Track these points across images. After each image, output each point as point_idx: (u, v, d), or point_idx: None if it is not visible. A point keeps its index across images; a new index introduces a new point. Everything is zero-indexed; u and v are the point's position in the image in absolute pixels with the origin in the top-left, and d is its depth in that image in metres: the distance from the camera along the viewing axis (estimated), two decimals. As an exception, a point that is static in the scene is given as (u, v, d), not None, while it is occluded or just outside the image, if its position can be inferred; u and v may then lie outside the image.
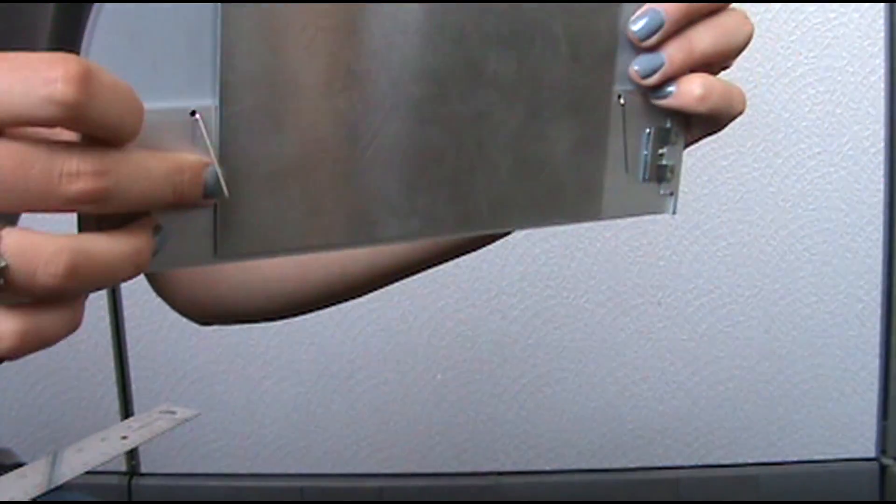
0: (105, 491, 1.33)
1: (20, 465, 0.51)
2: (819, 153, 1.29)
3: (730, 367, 1.34)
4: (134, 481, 1.35)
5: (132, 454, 1.35)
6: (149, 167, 0.29)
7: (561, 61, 0.37)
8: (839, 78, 1.27)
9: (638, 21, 0.38)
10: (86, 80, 0.27)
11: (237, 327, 1.33)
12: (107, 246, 0.29)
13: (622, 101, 0.39)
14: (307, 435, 1.36)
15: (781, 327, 1.33)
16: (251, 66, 0.32)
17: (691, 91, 0.39)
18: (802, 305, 1.33)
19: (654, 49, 0.38)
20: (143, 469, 1.37)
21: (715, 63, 0.41)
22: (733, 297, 1.32)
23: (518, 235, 1.31)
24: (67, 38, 0.51)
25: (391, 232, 0.36)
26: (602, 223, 1.30)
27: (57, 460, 0.50)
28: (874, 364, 1.34)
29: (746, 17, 0.40)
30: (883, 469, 1.35)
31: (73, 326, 0.30)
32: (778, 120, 1.28)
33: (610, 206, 0.42)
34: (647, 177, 0.42)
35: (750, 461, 1.37)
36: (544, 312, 1.32)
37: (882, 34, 1.25)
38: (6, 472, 0.48)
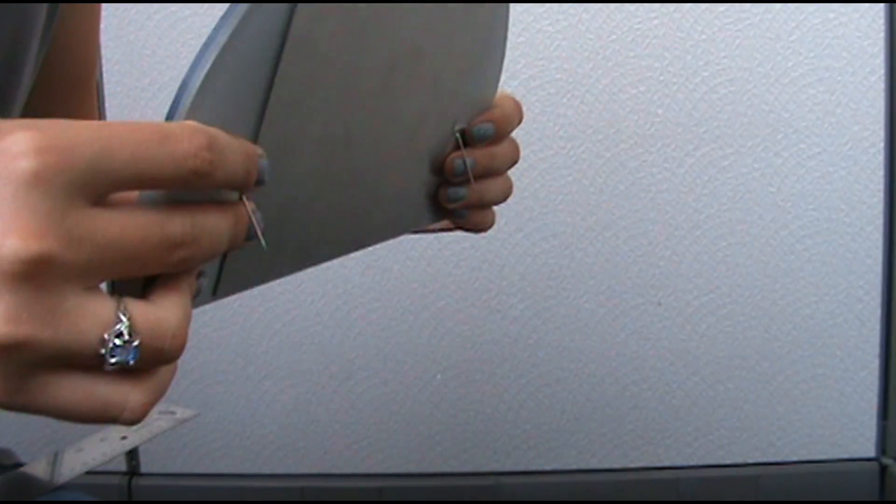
0: (105, 491, 1.33)
1: (20, 465, 0.51)
2: (819, 153, 1.29)
3: (730, 367, 1.34)
4: (134, 481, 1.35)
5: (132, 454, 1.35)
6: (219, 223, 0.30)
7: (432, 117, 0.48)
8: (839, 78, 1.27)
9: (456, 161, 0.49)
10: (215, 147, 0.28)
11: (237, 327, 1.33)
12: (189, 304, 0.30)
13: (457, 134, 0.50)
14: (307, 435, 1.36)
15: (781, 327, 1.33)
16: (280, 132, 0.36)
17: (486, 222, 0.54)
18: (802, 305, 1.33)
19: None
20: (143, 469, 1.36)
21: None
22: (733, 297, 1.32)
23: (518, 235, 1.32)
24: (48, 37, 0.52)
25: (322, 256, 0.45)
26: (604, 222, 1.30)
27: (57, 460, 0.50)
28: (874, 364, 1.34)
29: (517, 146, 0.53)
30: (883, 469, 1.35)
31: (174, 374, 0.31)
32: (778, 120, 1.28)
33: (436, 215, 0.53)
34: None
35: (750, 461, 1.37)
36: (544, 312, 1.32)
37: (882, 34, 1.25)
38: (6, 472, 0.48)
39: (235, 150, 0.30)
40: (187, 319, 0.29)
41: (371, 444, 1.36)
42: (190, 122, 0.29)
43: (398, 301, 1.31)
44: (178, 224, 0.28)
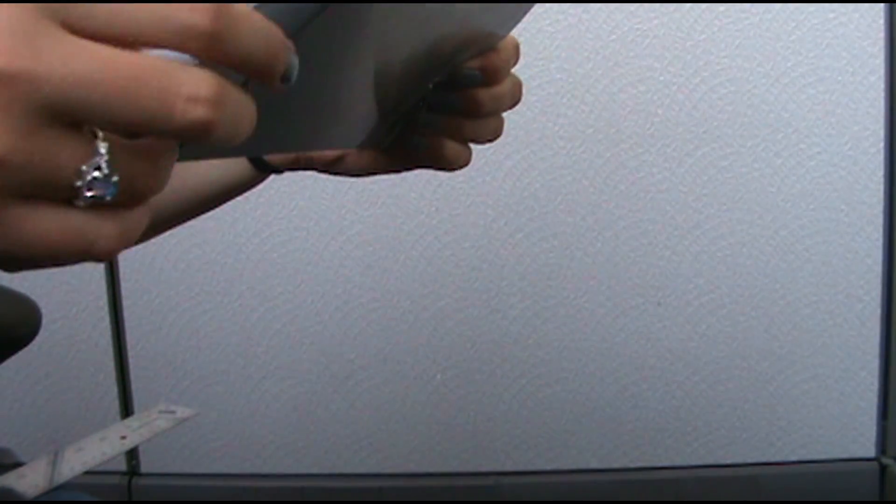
0: (105, 491, 1.33)
1: (20, 465, 0.51)
2: (819, 153, 1.29)
3: (730, 367, 1.34)
4: (134, 481, 1.35)
5: (132, 454, 1.35)
6: (248, 104, 0.28)
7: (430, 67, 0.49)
8: (839, 78, 1.27)
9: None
10: (218, 10, 0.26)
11: (237, 327, 1.33)
12: (172, 147, 0.29)
13: (430, 85, 0.52)
14: (307, 435, 1.36)
15: (781, 327, 1.33)
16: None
17: (449, 156, 0.53)
18: (802, 305, 1.33)
19: None
20: (143, 469, 1.37)
21: None
22: (733, 297, 1.32)
23: (518, 235, 1.32)
24: None
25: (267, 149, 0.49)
26: (604, 222, 1.30)
27: (57, 460, 0.50)
28: (874, 364, 1.34)
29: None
30: (883, 469, 1.35)
31: (148, 219, 0.30)
32: (778, 120, 1.28)
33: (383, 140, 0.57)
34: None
35: (750, 461, 1.37)
36: (544, 312, 1.32)
37: (882, 34, 1.25)
38: (6, 471, 0.48)
39: (254, 25, 0.27)
40: (169, 162, 0.28)
41: (371, 444, 1.36)
42: None
43: (398, 301, 1.31)
44: (198, 76, 0.26)
